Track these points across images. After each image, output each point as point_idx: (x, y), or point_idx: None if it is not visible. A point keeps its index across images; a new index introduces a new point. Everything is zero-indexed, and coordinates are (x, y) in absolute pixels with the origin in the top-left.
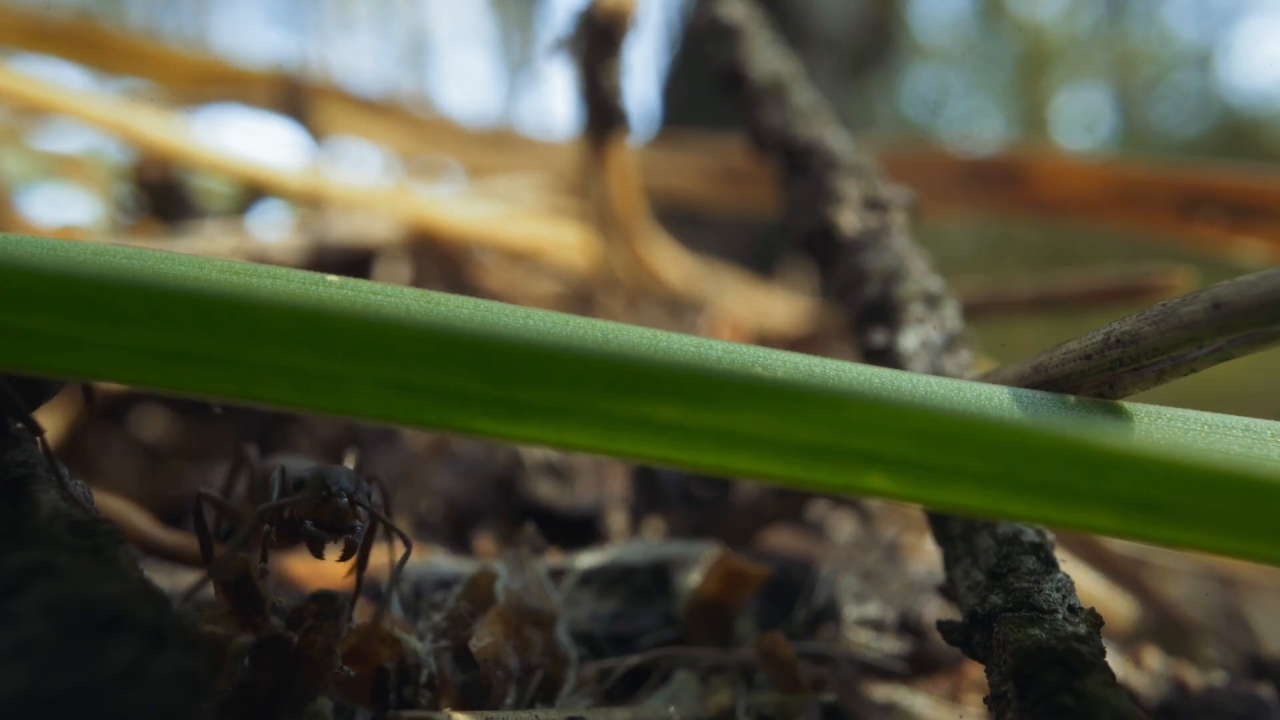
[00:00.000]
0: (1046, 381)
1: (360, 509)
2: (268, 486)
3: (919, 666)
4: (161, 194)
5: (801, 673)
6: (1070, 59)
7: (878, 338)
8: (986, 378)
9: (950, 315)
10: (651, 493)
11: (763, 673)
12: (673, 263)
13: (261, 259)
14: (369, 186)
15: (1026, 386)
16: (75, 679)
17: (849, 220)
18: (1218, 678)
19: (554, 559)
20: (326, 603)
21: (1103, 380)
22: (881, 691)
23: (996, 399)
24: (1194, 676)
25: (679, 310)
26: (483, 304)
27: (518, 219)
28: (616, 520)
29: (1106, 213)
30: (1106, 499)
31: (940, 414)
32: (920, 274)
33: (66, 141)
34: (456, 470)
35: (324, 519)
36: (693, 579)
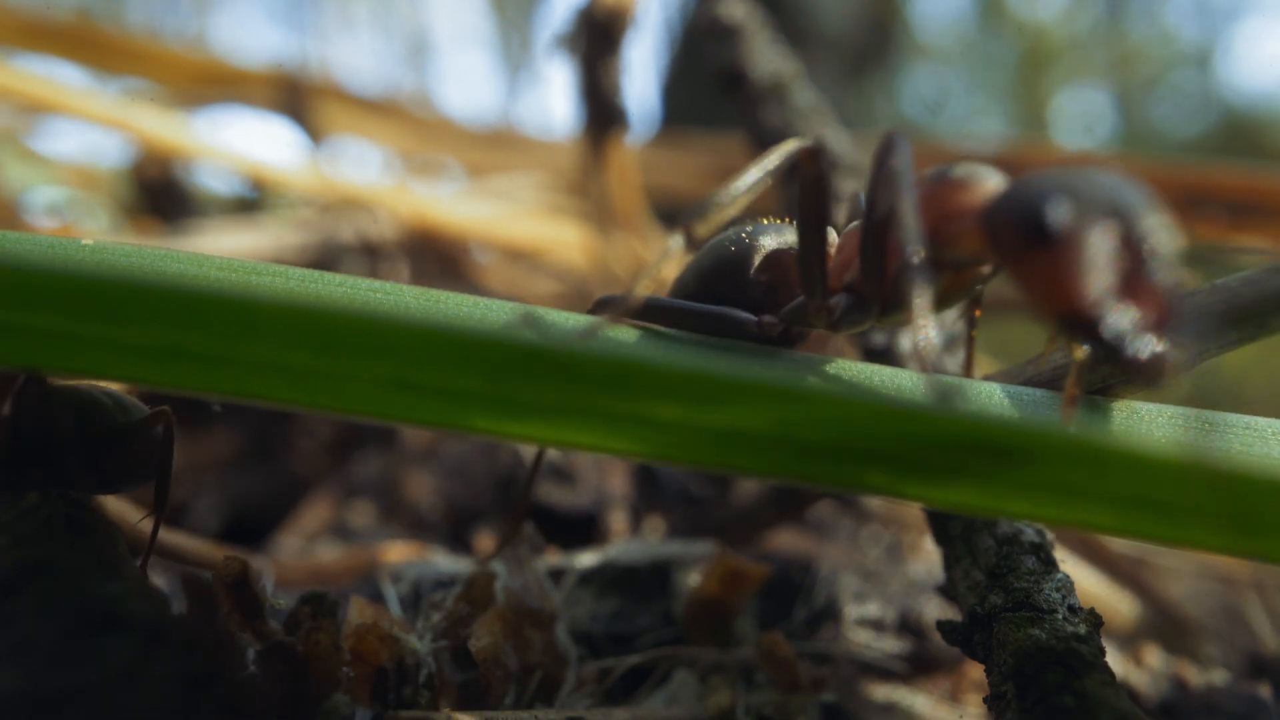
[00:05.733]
0: (1039, 385)
1: None
2: None
3: (919, 666)
4: (161, 193)
5: (801, 673)
6: (1070, 59)
7: (878, 337)
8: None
9: (950, 315)
10: (652, 492)
11: (763, 673)
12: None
13: (261, 257)
14: (369, 185)
15: None
16: (74, 679)
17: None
18: (1218, 677)
19: (554, 558)
20: (319, 602)
21: (1095, 387)
22: (881, 691)
23: (997, 398)
24: (1194, 675)
25: None
26: (482, 302)
27: (518, 218)
28: (616, 520)
29: None
30: (1107, 497)
31: (940, 412)
32: None
33: (67, 142)
34: (456, 470)
35: None
36: (693, 579)
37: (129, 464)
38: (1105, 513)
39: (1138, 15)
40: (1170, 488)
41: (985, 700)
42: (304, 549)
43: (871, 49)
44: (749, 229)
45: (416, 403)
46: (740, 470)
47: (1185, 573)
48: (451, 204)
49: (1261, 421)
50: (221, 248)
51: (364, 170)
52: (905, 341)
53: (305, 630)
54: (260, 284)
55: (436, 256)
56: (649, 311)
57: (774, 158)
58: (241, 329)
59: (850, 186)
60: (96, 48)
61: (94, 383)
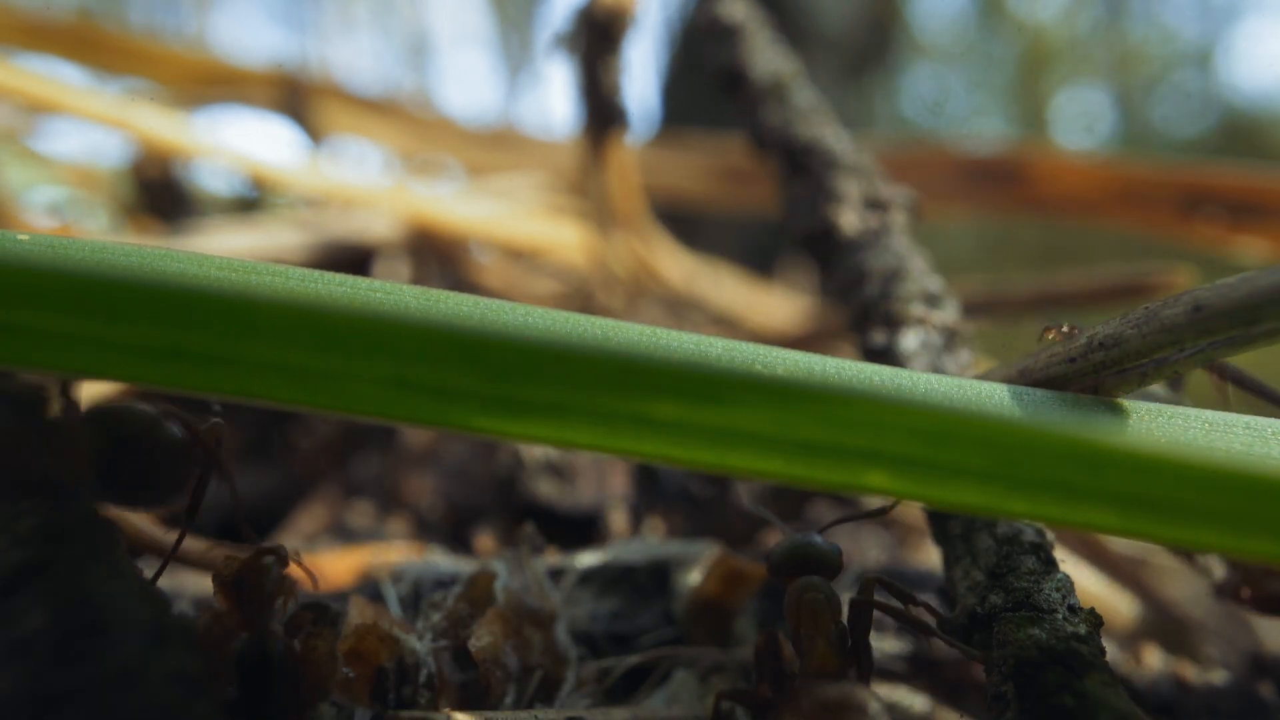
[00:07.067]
0: (1031, 385)
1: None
2: None
3: (919, 666)
4: (161, 193)
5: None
6: (1070, 59)
7: (878, 337)
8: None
9: (950, 315)
10: (652, 492)
11: None
12: (672, 262)
13: (261, 257)
14: (369, 185)
15: None
16: (74, 679)
17: (849, 220)
18: (1218, 677)
19: (554, 558)
20: (321, 610)
21: (1087, 384)
22: (881, 691)
23: (997, 397)
24: (1194, 675)
25: (679, 309)
26: (482, 302)
27: (517, 218)
28: (617, 519)
29: (1106, 212)
30: (1107, 496)
31: (941, 411)
32: (920, 274)
33: (67, 142)
34: (456, 470)
35: None
36: (693, 578)
37: (158, 484)
38: (1105, 513)
39: (1138, 15)
40: (1170, 488)
41: (985, 700)
42: (304, 549)
43: (871, 49)
44: None
45: (416, 403)
46: (740, 470)
47: (1185, 573)
48: (451, 204)
49: (1261, 421)
50: (221, 248)
51: (364, 170)
52: (907, 341)
53: (304, 635)
54: (260, 284)
55: (436, 256)
56: None
57: None
58: (241, 329)
59: (851, 187)
60: (96, 48)
61: (139, 404)
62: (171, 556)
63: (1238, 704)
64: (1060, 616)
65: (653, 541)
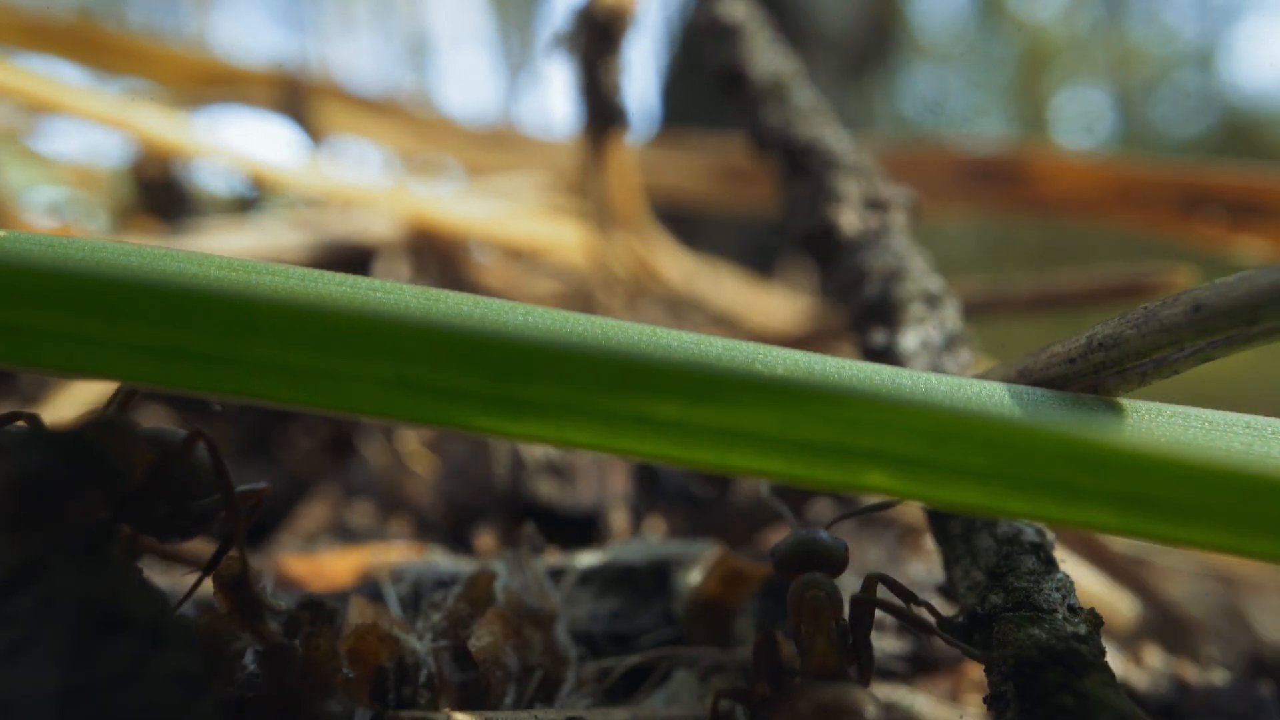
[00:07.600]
0: (1031, 385)
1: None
2: None
3: (919, 666)
4: (161, 193)
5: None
6: (1070, 59)
7: (878, 338)
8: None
9: (950, 315)
10: (652, 492)
11: None
12: (672, 262)
13: (261, 257)
14: (369, 185)
15: None
16: (74, 678)
17: (849, 220)
18: (1218, 677)
19: (554, 558)
20: (319, 608)
21: (1087, 384)
22: (881, 691)
23: (997, 397)
24: (1194, 675)
25: (679, 309)
26: (482, 302)
27: (517, 218)
28: (617, 519)
29: (1107, 211)
30: (1107, 496)
31: (941, 411)
32: (920, 274)
33: (67, 142)
34: (456, 470)
35: None
36: (693, 578)
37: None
38: (1105, 513)
39: (1138, 15)
40: (1170, 488)
41: (985, 700)
42: (304, 549)
43: (871, 49)
44: None
45: (416, 401)
46: (740, 470)
47: (1185, 573)
48: (451, 204)
49: (1261, 421)
50: (221, 248)
51: (364, 170)
52: (907, 341)
53: (304, 635)
54: (260, 284)
55: (436, 256)
56: None
57: None
58: (241, 329)
59: (851, 187)
60: (96, 48)
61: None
62: (205, 574)
63: (1238, 704)
64: (1060, 616)
65: (653, 541)
